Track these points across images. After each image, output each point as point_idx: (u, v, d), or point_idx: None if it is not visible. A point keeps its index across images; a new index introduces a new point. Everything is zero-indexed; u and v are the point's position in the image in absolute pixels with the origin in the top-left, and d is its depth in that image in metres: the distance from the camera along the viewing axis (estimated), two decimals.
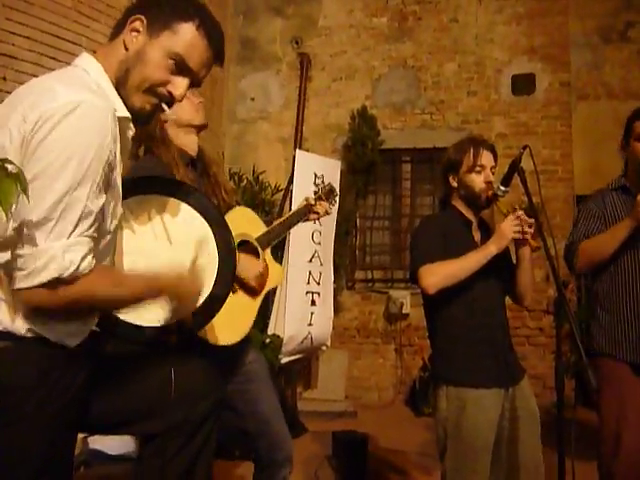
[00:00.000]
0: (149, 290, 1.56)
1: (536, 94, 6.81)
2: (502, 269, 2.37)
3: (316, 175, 5.35)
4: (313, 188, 5.07)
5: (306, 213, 2.62)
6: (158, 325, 1.70)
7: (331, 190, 2.77)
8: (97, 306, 1.53)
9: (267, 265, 2.35)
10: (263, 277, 2.31)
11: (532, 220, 2.20)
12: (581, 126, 6.91)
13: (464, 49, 6.93)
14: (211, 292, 1.77)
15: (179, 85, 1.51)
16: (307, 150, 6.28)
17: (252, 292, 2.28)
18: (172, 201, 1.81)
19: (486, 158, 2.37)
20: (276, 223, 2.51)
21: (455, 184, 2.41)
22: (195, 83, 1.56)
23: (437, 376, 2.32)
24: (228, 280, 1.83)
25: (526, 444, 2.27)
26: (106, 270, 1.53)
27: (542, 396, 5.10)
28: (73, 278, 1.35)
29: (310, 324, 5.22)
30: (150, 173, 1.96)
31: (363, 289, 6.82)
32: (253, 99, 7.22)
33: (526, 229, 2.19)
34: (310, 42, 7.13)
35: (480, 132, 6.28)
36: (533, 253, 2.25)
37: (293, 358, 5.28)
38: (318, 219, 2.68)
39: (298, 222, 2.60)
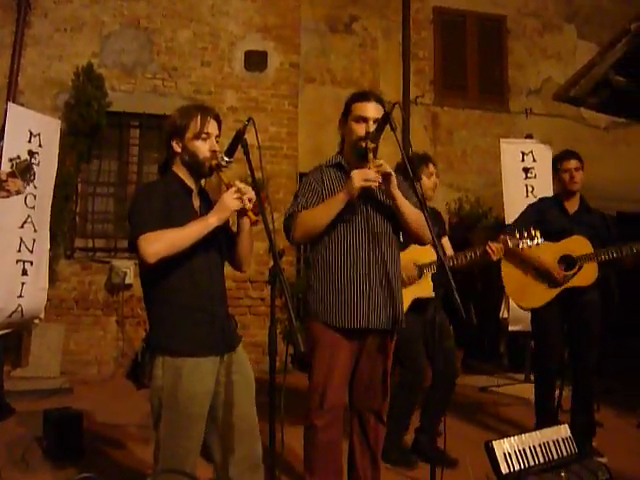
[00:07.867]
0: None
1: (267, 72, 7.04)
2: (222, 239, 2.41)
3: (32, 133, 4.87)
4: (27, 147, 4.66)
5: None
6: None
7: (27, 168, 2.58)
8: None
9: None
10: None
11: (253, 193, 2.24)
12: (307, 108, 7.33)
13: (199, 18, 6.88)
14: None
15: None
16: (22, 105, 5.71)
17: None
18: None
19: (212, 126, 2.38)
20: None
21: (179, 149, 2.39)
22: None
23: (154, 346, 2.28)
24: None
25: (241, 407, 2.35)
26: None
27: (262, 362, 5.35)
28: None
29: (21, 296, 4.81)
30: None
31: (83, 258, 6.50)
32: None
33: (246, 202, 2.23)
34: None
35: (212, 104, 6.24)
36: (255, 226, 2.30)
37: (0, 333, 4.82)
38: (8, 197, 2.51)
39: None
